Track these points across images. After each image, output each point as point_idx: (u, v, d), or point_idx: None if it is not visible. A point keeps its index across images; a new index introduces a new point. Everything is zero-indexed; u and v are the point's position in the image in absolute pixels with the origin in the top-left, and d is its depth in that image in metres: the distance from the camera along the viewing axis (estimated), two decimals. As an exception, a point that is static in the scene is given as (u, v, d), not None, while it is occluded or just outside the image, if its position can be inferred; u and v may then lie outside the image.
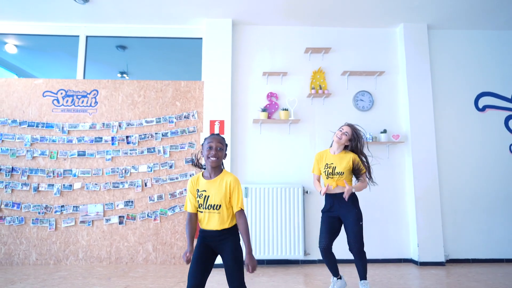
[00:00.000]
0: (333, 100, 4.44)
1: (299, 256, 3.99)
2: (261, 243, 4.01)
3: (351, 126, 2.95)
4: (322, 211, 2.98)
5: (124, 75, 5.70)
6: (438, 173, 4.25)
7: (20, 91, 4.35)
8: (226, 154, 2.05)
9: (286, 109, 4.27)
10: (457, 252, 4.20)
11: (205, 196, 1.98)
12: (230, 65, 4.30)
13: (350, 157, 2.90)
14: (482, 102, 4.52)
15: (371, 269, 3.88)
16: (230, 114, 4.23)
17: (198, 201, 1.98)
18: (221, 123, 4.20)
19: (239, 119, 4.36)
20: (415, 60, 4.40)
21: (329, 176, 2.90)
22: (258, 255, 3.98)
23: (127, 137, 4.32)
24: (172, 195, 4.24)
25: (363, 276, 2.84)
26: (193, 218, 2.03)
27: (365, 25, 4.53)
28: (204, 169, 2.10)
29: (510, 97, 4.53)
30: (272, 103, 4.38)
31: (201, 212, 1.97)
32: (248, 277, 3.51)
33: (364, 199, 4.26)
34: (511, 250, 4.22)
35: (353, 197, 2.89)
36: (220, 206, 1.94)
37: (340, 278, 3.03)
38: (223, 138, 2.05)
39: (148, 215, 4.19)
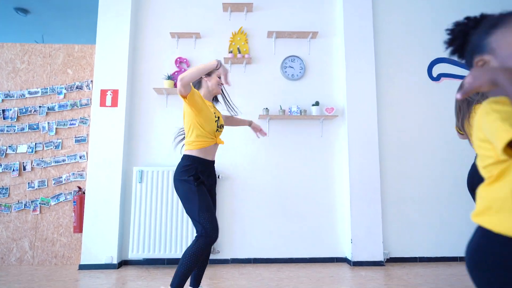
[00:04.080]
0: (257, 67, 3.69)
1: (205, 255, 3.23)
2: (161, 239, 3.26)
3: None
4: (192, 180, 1.99)
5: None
6: (379, 154, 3.51)
7: None
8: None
9: (196, 77, 3.51)
10: (401, 250, 3.46)
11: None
12: (128, 24, 3.54)
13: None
14: (437, 70, 3.78)
15: (295, 268, 3.13)
16: (126, 82, 3.47)
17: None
18: (115, 93, 3.45)
19: (141, 89, 3.61)
20: (355, 20, 3.65)
21: (218, 129, 2.19)
22: (157, 253, 3.24)
23: (3, 111, 3.56)
24: (58, 181, 3.49)
25: None
26: None
27: (297, -22, 3.77)
28: None
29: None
30: (182, 71, 3.63)
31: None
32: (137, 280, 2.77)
33: (290, 185, 3.54)
34: (467, 247, 3.48)
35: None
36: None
37: None
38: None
39: (26, 205, 3.44)
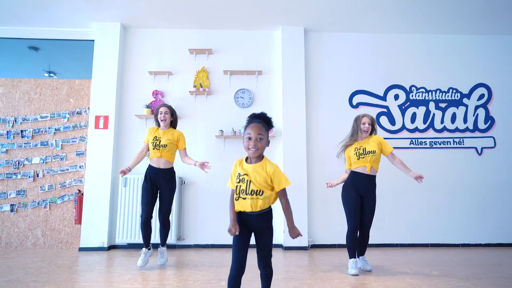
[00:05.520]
0: (215, 98, 4.78)
1: (172, 241, 4.32)
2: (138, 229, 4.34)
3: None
4: (143, 180, 3.46)
5: (52, 74, 6.10)
6: (306, 164, 4.60)
7: None
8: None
9: (168, 106, 4.61)
10: (323, 238, 4.56)
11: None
12: (116, 65, 4.64)
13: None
14: (356, 99, 4.87)
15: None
16: (114, 110, 4.56)
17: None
18: (106, 118, 4.54)
19: (126, 115, 4.71)
20: (291, 61, 4.75)
21: (156, 147, 3.45)
22: (137, 239, 4.33)
23: (21, 131, 4.66)
24: (63, 185, 4.59)
25: None
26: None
27: (247, 28, 4.86)
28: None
29: (381, 95, 4.89)
30: (157, 100, 4.73)
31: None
32: (125, 259, 3.87)
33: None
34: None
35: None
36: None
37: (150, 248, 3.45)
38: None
39: (38, 204, 4.54)
